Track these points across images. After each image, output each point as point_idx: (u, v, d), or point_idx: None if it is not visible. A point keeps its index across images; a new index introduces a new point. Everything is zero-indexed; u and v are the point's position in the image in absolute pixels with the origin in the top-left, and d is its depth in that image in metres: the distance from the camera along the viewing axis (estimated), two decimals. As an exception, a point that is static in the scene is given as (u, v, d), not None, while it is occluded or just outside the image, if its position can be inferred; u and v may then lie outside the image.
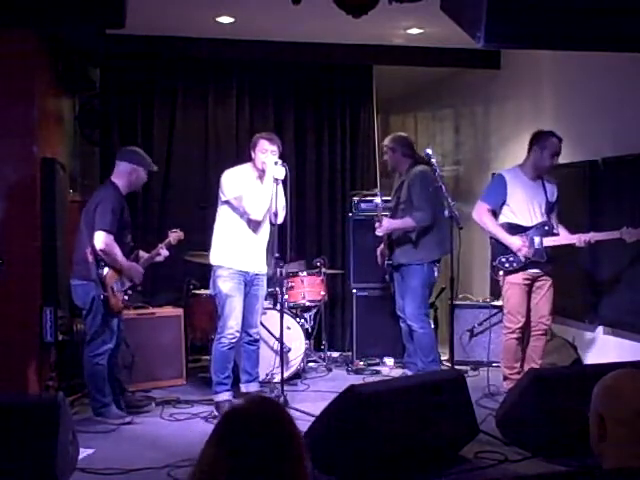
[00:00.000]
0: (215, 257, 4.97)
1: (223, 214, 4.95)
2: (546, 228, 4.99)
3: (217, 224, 5.00)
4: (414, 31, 6.08)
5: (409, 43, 6.45)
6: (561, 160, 5.74)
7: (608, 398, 1.77)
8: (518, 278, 5.04)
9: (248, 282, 4.93)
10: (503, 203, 5.08)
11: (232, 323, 4.83)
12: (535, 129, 5.29)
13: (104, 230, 4.53)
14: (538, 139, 5.04)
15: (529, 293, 5.09)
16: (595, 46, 3.49)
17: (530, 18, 3.12)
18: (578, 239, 4.88)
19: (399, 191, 5.50)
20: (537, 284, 5.09)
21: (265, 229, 4.98)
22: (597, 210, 5.40)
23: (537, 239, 4.96)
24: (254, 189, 4.85)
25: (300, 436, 1.48)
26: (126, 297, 4.70)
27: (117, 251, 4.61)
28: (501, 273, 5.09)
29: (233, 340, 4.86)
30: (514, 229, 5.03)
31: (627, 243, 4.79)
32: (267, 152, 4.84)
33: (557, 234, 5.02)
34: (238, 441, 1.42)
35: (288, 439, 1.45)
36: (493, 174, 6.26)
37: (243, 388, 5.04)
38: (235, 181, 4.87)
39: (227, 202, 4.89)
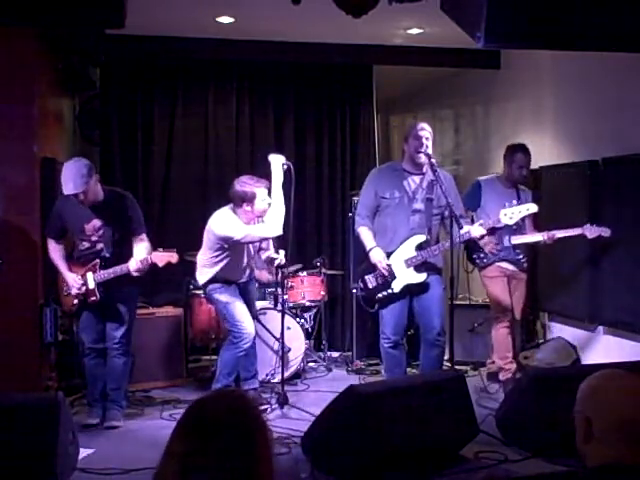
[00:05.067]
0: (202, 276, 4.94)
1: (214, 251, 4.83)
2: (514, 228, 5.14)
3: (205, 254, 4.89)
4: (414, 31, 6.08)
5: (409, 43, 6.45)
6: (561, 160, 5.75)
7: (594, 400, 1.76)
8: (494, 271, 5.24)
9: (241, 286, 4.98)
10: (478, 207, 5.28)
11: (248, 327, 4.84)
12: (535, 129, 5.32)
13: (45, 234, 4.68)
14: (507, 154, 5.31)
15: (509, 285, 5.25)
16: (595, 46, 3.49)
17: (530, 18, 3.12)
18: (543, 236, 5.09)
19: (429, 192, 4.73)
20: (513, 282, 5.26)
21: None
22: (597, 210, 5.39)
23: (506, 237, 5.17)
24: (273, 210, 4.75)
25: (267, 430, 1.47)
26: (75, 301, 4.57)
27: (54, 255, 4.63)
28: (474, 267, 5.31)
29: (250, 343, 4.88)
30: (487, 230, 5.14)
31: (623, 235, 4.99)
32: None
33: (525, 234, 5.24)
34: (204, 433, 1.41)
35: (254, 432, 1.44)
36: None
37: (244, 386, 5.05)
38: (235, 221, 4.73)
39: (236, 243, 4.73)
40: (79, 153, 6.31)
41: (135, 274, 4.45)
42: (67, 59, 5.74)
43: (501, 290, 5.22)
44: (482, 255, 5.22)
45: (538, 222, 5.35)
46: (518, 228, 5.19)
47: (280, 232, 4.73)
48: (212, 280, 4.88)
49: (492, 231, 5.10)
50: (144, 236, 4.60)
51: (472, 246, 5.19)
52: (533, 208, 4.76)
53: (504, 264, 5.23)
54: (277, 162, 4.72)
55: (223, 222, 4.73)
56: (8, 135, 4.93)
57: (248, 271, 5.03)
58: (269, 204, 4.69)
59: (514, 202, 5.11)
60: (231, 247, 4.77)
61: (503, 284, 5.23)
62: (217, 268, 4.85)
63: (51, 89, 5.59)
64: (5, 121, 4.93)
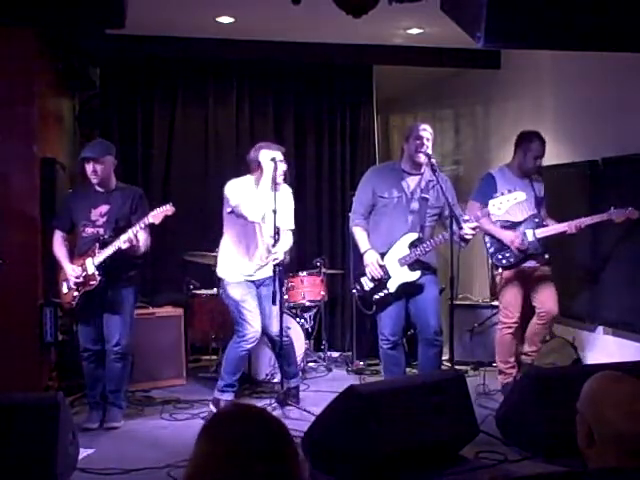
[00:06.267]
0: (221, 269, 4.97)
1: (228, 227, 4.92)
2: (536, 220, 5.06)
3: (224, 237, 4.97)
4: (414, 31, 6.08)
5: (409, 43, 6.45)
6: (561, 160, 5.75)
7: (594, 406, 1.76)
8: (512, 273, 5.10)
9: (258, 286, 4.93)
10: None
11: (252, 328, 4.82)
12: (535, 129, 5.29)
13: (54, 227, 4.71)
14: (521, 142, 5.11)
15: (525, 288, 5.13)
16: (595, 46, 3.49)
17: (530, 18, 3.12)
18: (569, 226, 4.92)
19: (425, 191, 4.73)
20: (536, 275, 5.12)
21: (268, 235, 4.90)
22: (597, 210, 5.36)
23: (530, 232, 5.02)
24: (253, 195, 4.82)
25: (293, 439, 1.50)
26: (75, 294, 4.53)
27: (57, 248, 4.63)
28: (499, 270, 5.14)
29: (254, 344, 4.87)
30: (506, 226, 5.08)
31: (623, 235, 4.90)
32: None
33: (547, 225, 5.08)
34: (236, 438, 1.42)
35: (286, 438, 1.46)
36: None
37: (290, 384, 5.02)
38: (237, 189, 4.82)
39: (232, 211, 4.83)
40: (79, 153, 6.33)
41: (125, 245, 4.34)
42: (67, 59, 5.74)
43: (513, 295, 5.11)
44: (508, 255, 5.04)
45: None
46: (540, 221, 5.06)
47: (256, 219, 4.77)
48: (229, 274, 4.90)
49: (513, 227, 5.03)
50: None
51: (498, 246, 5.10)
52: (521, 196, 4.51)
53: (527, 264, 5.06)
54: (267, 157, 4.80)
55: (232, 183, 4.86)
56: (8, 135, 4.93)
57: (263, 265, 4.92)
58: (284, 170, 4.83)
59: (531, 192, 5.01)
60: (239, 223, 4.81)
61: (517, 289, 5.11)
62: (231, 256, 4.87)
63: (51, 89, 5.59)
64: (5, 121, 4.94)
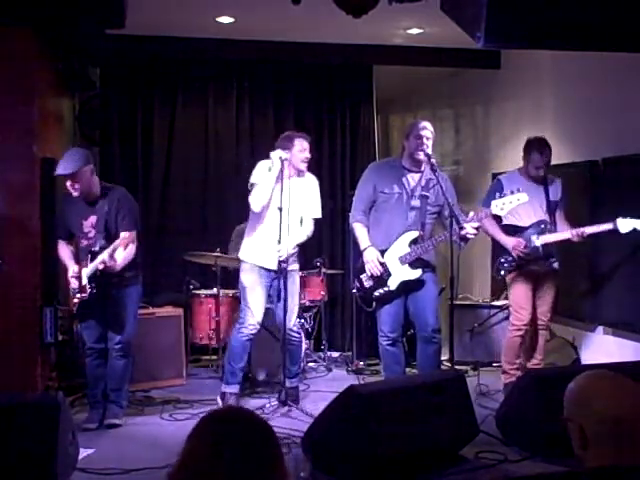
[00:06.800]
0: (241, 251, 5.04)
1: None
2: (542, 226, 5.00)
3: (249, 218, 5.04)
4: (414, 31, 6.08)
5: (409, 43, 6.45)
6: (561, 160, 5.75)
7: (582, 405, 1.76)
8: (518, 273, 5.07)
9: (274, 278, 4.89)
10: None
11: (252, 317, 4.84)
12: (535, 129, 5.31)
13: (57, 237, 4.74)
14: (525, 151, 5.07)
15: (533, 289, 5.10)
16: (595, 46, 3.50)
17: (530, 18, 3.12)
18: (571, 234, 4.86)
19: (425, 189, 4.74)
20: (540, 279, 5.09)
21: (292, 227, 4.87)
22: (597, 210, 5.39)
23: (534, 237, 4.97)
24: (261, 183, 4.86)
25: (277, 440, 1.53)
26: (75, 300, 4.53)
27: (61, 252, 4.66)
28: (502, 273, 5.12)
29: (253, 331, 4.88)
30: (512, 230, 5.05)
31: (622, 235, 4.75)
32: (305, 151, 4.94)
33: (554, 232, 5.00)
34: (220, 439, 1.44)
35: (271, 441, 1.50)
36: (493, 174, 6.28)
37: (289, 383, 5.01)
38: (259, 171, 4.87)
39: (251, 190, 4.89)
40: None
41: (101, 266, 4.35)
42: (67, 59, 5.74)
43: (523, 294, 5.05)
44: (510, 259, 5.01)
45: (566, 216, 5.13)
46: (546, 227, 4.98)
47: (256, 209, 4.81)
48: (245, 254, 4.94)
49: (517, 232, 5.00)
50: (127, 234, 4.47)
51: (498, 251, 5.08)
52: (523, 198, 4.44)
53: (530, 267, 5.01)
54: (276, 156, 4.81)
55: (259, 163, 4.92)
56: (8, 135, 4.93)
57: (281, 256, 4.84)
58: (307, 157, 4.91)
59: (542, 196, 4.99)
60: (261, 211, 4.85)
61: (526, 290, 5.05)
62: (251, 239, 4.92)
63: (51, 89, 5.59)
64: (5, 121, 4.93)
